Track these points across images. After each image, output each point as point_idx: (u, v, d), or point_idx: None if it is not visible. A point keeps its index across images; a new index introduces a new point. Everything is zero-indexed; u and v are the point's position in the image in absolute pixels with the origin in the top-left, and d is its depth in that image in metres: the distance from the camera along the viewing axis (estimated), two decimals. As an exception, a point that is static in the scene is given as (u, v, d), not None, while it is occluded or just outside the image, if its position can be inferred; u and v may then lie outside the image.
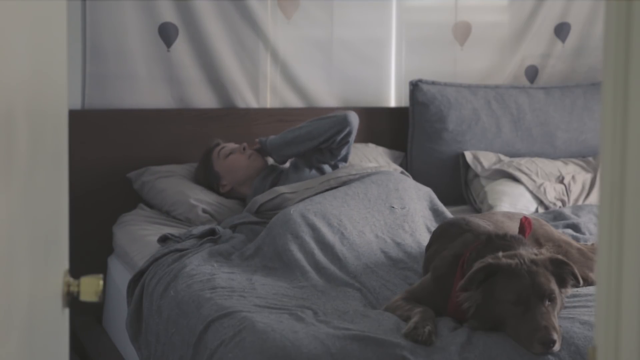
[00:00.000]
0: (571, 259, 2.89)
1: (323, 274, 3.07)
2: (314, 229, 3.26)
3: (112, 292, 3.83)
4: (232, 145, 4.02)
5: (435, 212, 3.63)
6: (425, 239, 3.29)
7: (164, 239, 3.49)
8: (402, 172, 4.04)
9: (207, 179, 4.02)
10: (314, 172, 3.88)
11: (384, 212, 3.46)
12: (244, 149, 3.98)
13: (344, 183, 3.68)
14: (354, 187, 3.57)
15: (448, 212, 3.65)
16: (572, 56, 4.85)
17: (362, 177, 3.71)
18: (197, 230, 3.50)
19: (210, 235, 3.48)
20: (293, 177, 3.86)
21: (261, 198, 3.67)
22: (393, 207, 3.49)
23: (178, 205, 3.92)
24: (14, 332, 1.32)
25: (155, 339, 3.02)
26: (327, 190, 3.64)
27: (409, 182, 3.72)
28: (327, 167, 3.92)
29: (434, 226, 3.48)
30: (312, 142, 3.85)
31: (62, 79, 1.69)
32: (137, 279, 3.29)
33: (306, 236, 3.22)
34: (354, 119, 3.85)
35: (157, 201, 4.01)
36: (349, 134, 3.84)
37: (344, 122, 3.82)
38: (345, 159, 3.96)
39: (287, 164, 4.04)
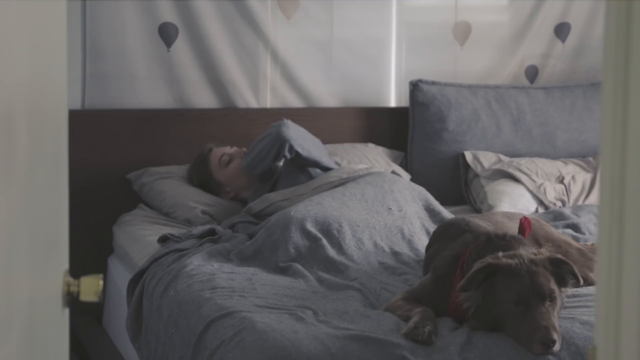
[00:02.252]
0: (571, 259, 2.89)
1: (325, 285, 3.07)
2: (314, 242, 3.25)
3: (112, 292, 3.83)
4: (228, 150, 4.00)
5: (432, 212, 3.62)
6: (423, 243, 3.28)
7: (164, 239, 3.49)
8: (392, 172, 4.02)
9: (204, 185, 4.00)
10: (305, 175, 3.85)
11: (383, 213, 3.45)
12: (243, 154, 3.96)
13: (336, 187, 3.66)
14: (350, 187, 3.56)
15: (444, 211, 3.64)
16: (572, 56, 4.85)
17: (354, 179, 3.69)
18: (197, 230, 3.50)
19: (210, 235, 3.47)
20: (287, 178, 3.84)
21: (255, 206, 3.66)
22: (391, 208, 3.49)
23: (177, 207, 3.92)
24: (14, 332, 1.32)
25: (155, 339, 3.02)
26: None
27: (402, 182, 3.71)
28: (316, 171, 3.87)
29: (431, 227, 3.47)
30: (266, 162, 3.77)
31: (62, 79, 1.68)
32: (137, 279, 3.29)
33: (307, 253, 3.22)
34: (286, 130, 3.72)
35: (157, 203, 4.01)
36: (291, 146, 3.71)
37: (280, 138, 3.71)
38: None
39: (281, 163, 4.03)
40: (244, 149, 3.98)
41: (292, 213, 3.32)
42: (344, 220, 3.33)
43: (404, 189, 3.64)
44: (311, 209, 3.36)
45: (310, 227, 3.28)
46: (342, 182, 3.68)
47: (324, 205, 3.40)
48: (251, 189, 3.92)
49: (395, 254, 3.27)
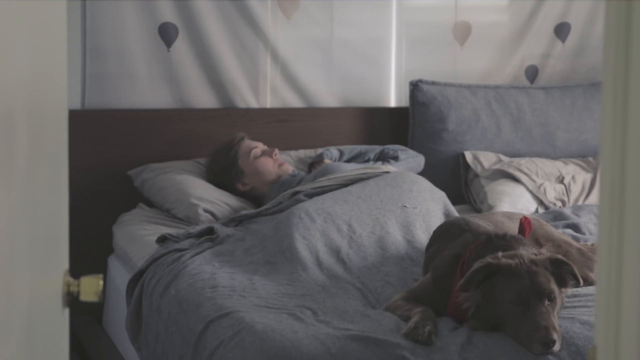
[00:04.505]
0: (571, 259, 2.89)
1: (325, 273, 3.07)
2: (322, 233, 3.25)
3: (112, 292, 3.83)
4: (262, 146, 4.02)
5: (448, 217, 3.58)
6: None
7: (162, 239, 3.49)
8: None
9: (224, 169, 3.99)
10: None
11: (396, 211, 3.43)
12: (274, 154, 3.99)
13: (358, 181, 3.65)
14: (368, 189, 3.53)
15: None
16: (572, 56, 4.85)
17: (376, 177, 3.67)
18: (196, 229, 3.50)
19: (209, 234, 3.47)
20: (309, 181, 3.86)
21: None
22: (405, 206, 3.47)
23: (178, 204, 3.91)
24: (14, 332, 1.32)
25: (154, 339, 3.02)
26: (343, 185, 3.61)
27: (424, 184, 3.68)
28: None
29: (444, 229, 3.47)
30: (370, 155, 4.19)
31: (62, 79, 1.69)
32: (137, 279, 3.28)
33: (313, 239, 3.22)
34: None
35: (158, 199, 4.00)
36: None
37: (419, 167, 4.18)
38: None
39: (303, 173, 4.05)
40: (276, 150, 4.01)
41: (302, 215, 3.32)
42: (353, 221, 3.34)
43: (425, 190, 3.62)
44: (321, 211, 3.36)
45: (320, 224, 3.28)
46: (365, 177, 3.66)
47: (334, 208, 3.39)
48: (272, 187, 3.92)
49: (408, 241, 3.27)
